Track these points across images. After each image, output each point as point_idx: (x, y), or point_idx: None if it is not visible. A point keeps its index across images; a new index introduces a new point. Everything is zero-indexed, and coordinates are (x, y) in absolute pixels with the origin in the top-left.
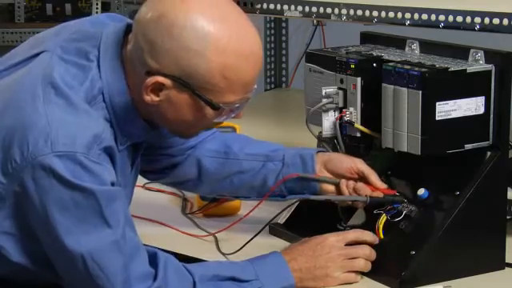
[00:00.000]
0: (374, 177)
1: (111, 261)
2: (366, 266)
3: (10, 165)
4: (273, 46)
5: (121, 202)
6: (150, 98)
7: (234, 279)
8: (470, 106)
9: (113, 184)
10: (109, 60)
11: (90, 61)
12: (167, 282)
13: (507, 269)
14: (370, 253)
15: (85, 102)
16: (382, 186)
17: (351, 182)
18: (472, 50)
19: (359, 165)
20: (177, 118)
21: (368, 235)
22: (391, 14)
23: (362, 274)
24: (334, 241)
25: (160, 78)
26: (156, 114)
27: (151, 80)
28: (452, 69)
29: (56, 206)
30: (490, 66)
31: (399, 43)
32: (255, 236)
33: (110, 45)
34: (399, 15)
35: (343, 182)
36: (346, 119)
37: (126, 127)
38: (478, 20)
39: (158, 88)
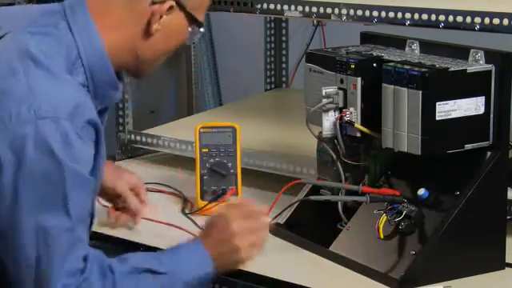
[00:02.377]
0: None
1: (58, 246)
2: (267, 234)
3: None
4: (273, 46)
5: (86, 192)
6: (156, 26)
7: (151, 271)
8: (470, 106)
9: (89, 170)
10: (80, 24)
11: (60, 30)
12: (91, 281)
13: (507, 269)
14: (268, 221)
15: (65, 71)
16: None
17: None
18: (472, 50)
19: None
20: (166, 47)
21: (256, 206)
22: (391, 14)
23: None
24: (236, 226)
25: (170, 2)
26: (146, 51)
27: (165, 6)
28: (452, 69)
29: (27, 179)
30: (490, 66)
31: (399, 43)
32: None
33: (76, 10)
34: (399, 15)
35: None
36: (346, 119)
37: (101, 88)
38: (478, 20)
39: (164, 13)
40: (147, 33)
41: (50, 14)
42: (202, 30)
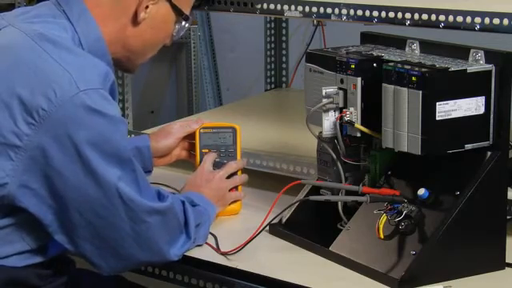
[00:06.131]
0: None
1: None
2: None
3: (37, 114)
4: (273, 46)
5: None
6: (143, 15)
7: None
8: (470, 106)
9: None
10: (76, 13)
11: (58, 18)
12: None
13: (507, 269)
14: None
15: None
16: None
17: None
18: (472, 50)
19: (181, 132)
20: (153, 38)
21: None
22: (391, 14)
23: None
24: (219, 178)
25: None
26: (135, 41)
27: None
28: (452, 69)
29: (88, 142)
30: (490, 66)
31: (399, 43)
32: (255, 236)
33: (69, 1)
34: (399, 15)
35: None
36: (346, 119)
37: None
38: (478, 20)
39: (150, 3)
40: (135, 22)
41: (44, 7)
42: (187, 24)
